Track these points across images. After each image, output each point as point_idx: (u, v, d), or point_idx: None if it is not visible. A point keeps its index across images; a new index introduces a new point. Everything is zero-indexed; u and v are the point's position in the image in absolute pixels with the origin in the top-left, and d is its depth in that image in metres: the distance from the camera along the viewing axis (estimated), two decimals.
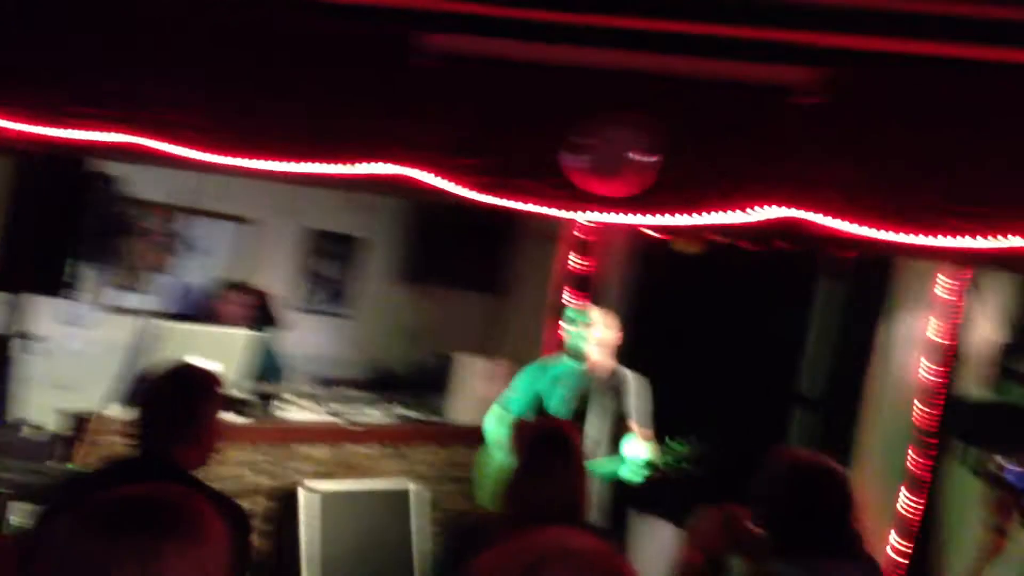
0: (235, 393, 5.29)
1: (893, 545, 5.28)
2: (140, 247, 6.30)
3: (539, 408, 5.03)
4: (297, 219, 6.55)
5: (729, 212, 3.58)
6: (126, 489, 1.54)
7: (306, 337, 6.58)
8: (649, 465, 4.47)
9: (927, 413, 5.34)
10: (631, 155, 3.61)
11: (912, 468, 5.32)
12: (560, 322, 6.13)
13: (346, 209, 6.53)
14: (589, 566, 1.35)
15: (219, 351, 4.86)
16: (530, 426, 3.17)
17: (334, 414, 5.97)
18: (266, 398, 5.69)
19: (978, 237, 3.30)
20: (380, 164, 3.97)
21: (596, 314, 4.97)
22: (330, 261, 6.71)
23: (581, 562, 1.35)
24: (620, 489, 5.16)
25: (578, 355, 4.87)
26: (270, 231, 6.57)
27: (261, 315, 6.14)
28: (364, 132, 4.01)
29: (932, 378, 5.35)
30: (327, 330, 6.63)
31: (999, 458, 3.08)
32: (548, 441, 2.95)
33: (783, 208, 3.51)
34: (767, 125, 3.56)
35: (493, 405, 5.18)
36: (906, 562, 5.28)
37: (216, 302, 6.10)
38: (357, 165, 4.01)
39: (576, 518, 2.81)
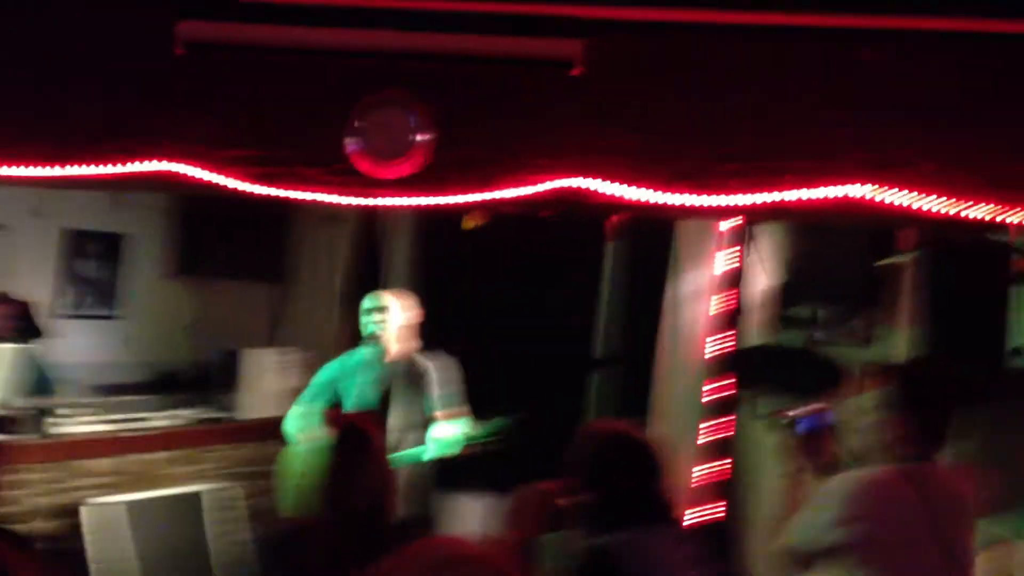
0: (2, 412, 4.95)
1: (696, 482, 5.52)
2: None
3: (338, 402, 4.88)
4: (55, 221, 6.07)
5: (511, 188, 3.59)
6: None
7: (76, 344, 6.13)
8: (460, 442, 4.44)
9: (716, 362, 5.57)
10: (407, 135, 3.56)
11: (707, 419, 5.56)
12: (355, 308, 6.03)
13: (108, 206, 6.10)
14: (480, 571, 1.33)
15: None
16: (332, 426, 3.08)
17: (116, 423, 5.61)
18: (40, 414, 5.30)
19: (749, 193, 3.43)
20: (147, 162, 3.77)
21: (390, 298, 4.85)
22: (94, 262, 6.26)
23: (475, 567, 1.33)
24: (431, 469, 5.12)
25: (375, 342, 4.74)
26: (25, 236, 6.06)
27: (24, 326, 5.69)
28: (130, 129, 3.81)
29: (716, 330, 5.58)
30: (98, 334, 6.19)
31: (789, 411, 3.23)
32: (346, 439, 2.88)
33: (563, 179, 3.55)
34: (539, 98, 3.59)
35: (292, 405, 5.00)
36: (705, 511, 5.54)
37: None
38: (123, 165, 3.79)
39: (383, 513, 2.76)
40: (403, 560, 1.35)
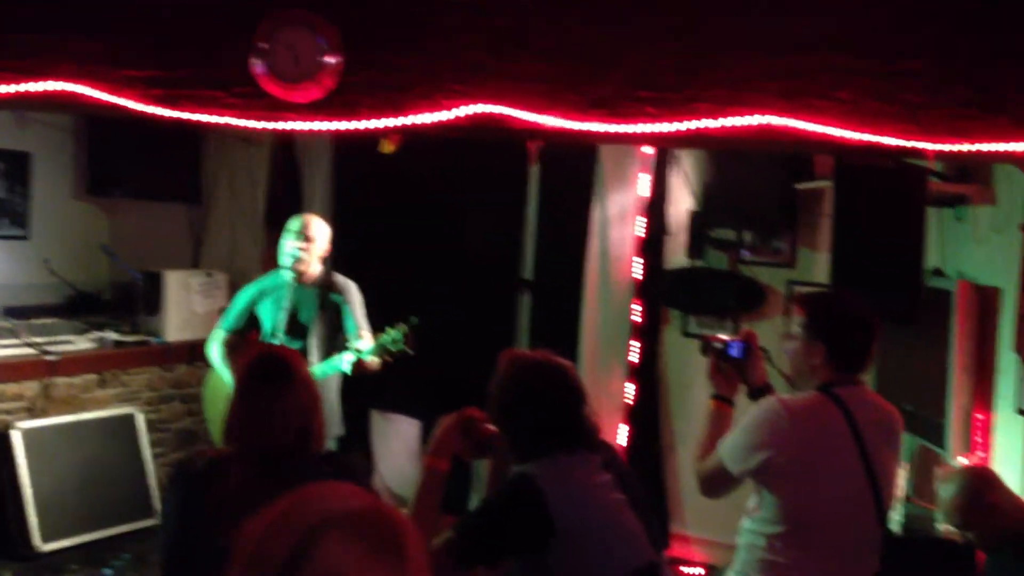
0: None
1: (624, 404, 5.58)
2: None
3: (255, 324, 4.82)
4: None
5: (424, 113, 3.49)
6: None
7: None
8: (371, 351, 4.41)
9: (640, 284, 5.60)
10: (315, 57, 3.44)
11: (633, 340, 5.60)
12: (276, 230, 5.92)
13: (12, 124, 5.86)
14: (370, 528, 1.25)
15: None
16: (247, 353, 2.99)
17: (37, 346, 5.51)
18: None
19: (664, 122, 3.39)
20: (41, 82, 3.60)
21: (316, 221, 4.76)
22: (2, 181, 6.03)
23: (362, 524, 1.25)
24: (358, 390, 5.11)
25: (296, 264, 4.66)
26: None
27: None
28: (22, 47, 3.62)
29: (641, 252, 5.59)
30: (8, 255, 5.98)
31: (721, 335, 3.26)
32: (263, 368, 2.78)
33: (477, 104, 3.47)
34: (450, 23, 3.47)
35: (214, 328, 4.93)
36: (633, 431, 5.61)
37: None
38: (15, 84, 3.62)
39: (310, 446, 2.70)
40: (278, 516, 1.26)
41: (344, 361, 4.49)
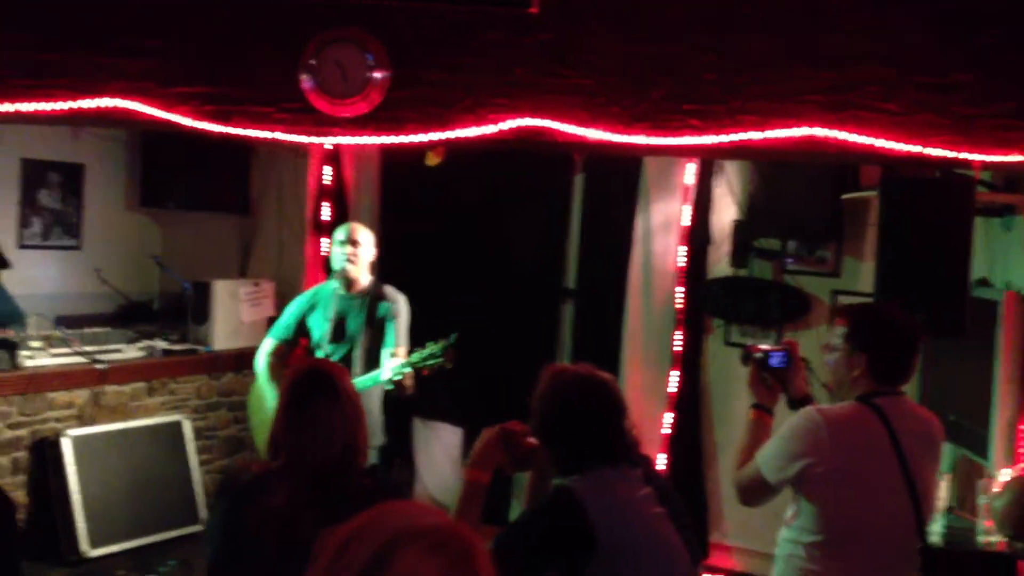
0: None
1: (665, 424, 5.57)
2: None
3: (305, 334, 4.86)
4: (13, 150, 5.95)
5: (469, 127, 3.55)
6: None
7: (39, 275, 6.05)
8: (408, 365, 4.41)
9: (684, 295, 5.58)
10: (363, 73, 3.51)
11: (676, 349, 5.58)
12: (320, 239, 5.99)
13: (67, 136, 5.98)
14: (446, 543, 1.28)
15: None
16: (294, 367, 3.02)
17: (87, 355, 5.61)
18: (9, 346, 5.28)
19: (708, 135, 3.40)
20: (97, 99, 3.71)
21: (363, 230, 4.79)
22: (57, 192, 6.17)
23: (439, 539, 1.28)
24: (401, 400, 5.13)
25: (344, 275, 4.70)
26: None
27: None
28: (78, 65, 3.73)
29: (686, 261, 5.58)
30: (61, 265, 6.12)
31: (763, 345, 3.25)
32: (309, 382, 2.81)
33: (521, 118, 3.50)
34: (495, 37, 3.52)
35: (264, 338, 4.98)
36: (671, 432, 5.59)
37: None
38: (72, 102, 3.74)
39: (354, 461, 2.72)
40: (352, 533, 1.30)
41: (386, 372, 4.49)
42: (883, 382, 2.90)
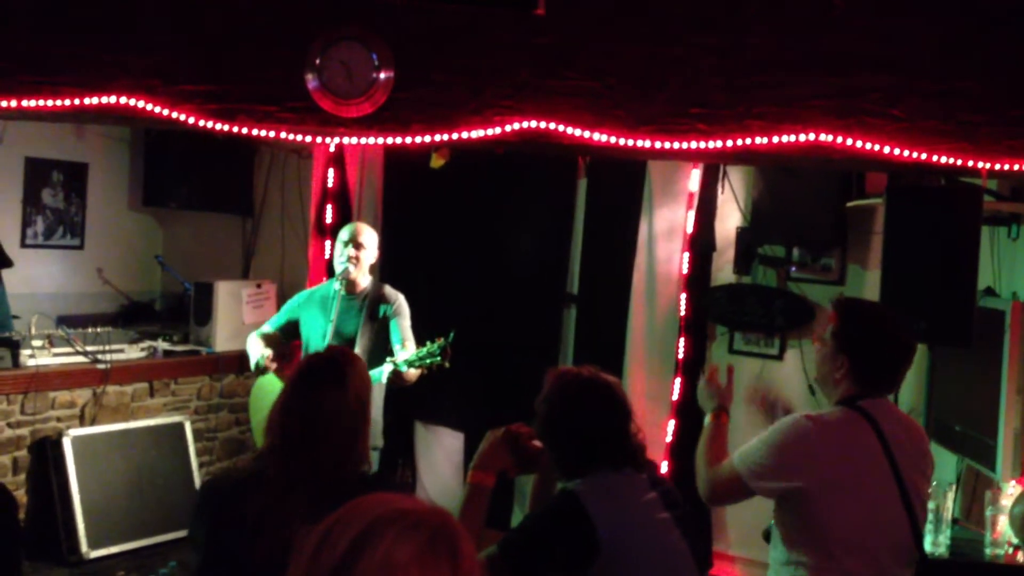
0: None
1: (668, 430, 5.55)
2: None
3: (295, 332, 4.86)
4: (13, 149, 5.95)
5: (473, 129, 3.53)
6: None
7: (41, 274, 6.06)
8: (407, 363, 4.40)
9: (688, 302, 5.56)
10: (369, 73, 3.50)
11: (680, 356, 5.56)
12: (324, 241, 5.98)
13: (71, 135, 5.98)
14: (425, 526, 1.29)
15: None
16: (308, 356, 2.96)
17: (89, 355, 5.60)
18: (11, 345, 5.27)
19: (714, 140, 3.39)
20: (101, 97, 3.70)
21: (353, 228, 4.79)
22: (57, 191, 6.16)
23: (417, 522, 1.29)
24: (403, 401, 5.12)
25: (346, 274, 4.69)
26: None
27: None
28: (82, 63, 3.71)
29: (689, 268, 5.56)
30: (63, 265, 6.11)
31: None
32: (318, 369, 2.74)
33: (526, 120, 3.49)
34: (501, 39, 3.51)
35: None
36: (674, 440, 5.57)
37: None
38: (78, 99, 3.72)
39: (355, 451, 2.65)
40: (330, 519, 1.31)
41: (383, 373, 4.49)
42: (865, 387, 2.81)
